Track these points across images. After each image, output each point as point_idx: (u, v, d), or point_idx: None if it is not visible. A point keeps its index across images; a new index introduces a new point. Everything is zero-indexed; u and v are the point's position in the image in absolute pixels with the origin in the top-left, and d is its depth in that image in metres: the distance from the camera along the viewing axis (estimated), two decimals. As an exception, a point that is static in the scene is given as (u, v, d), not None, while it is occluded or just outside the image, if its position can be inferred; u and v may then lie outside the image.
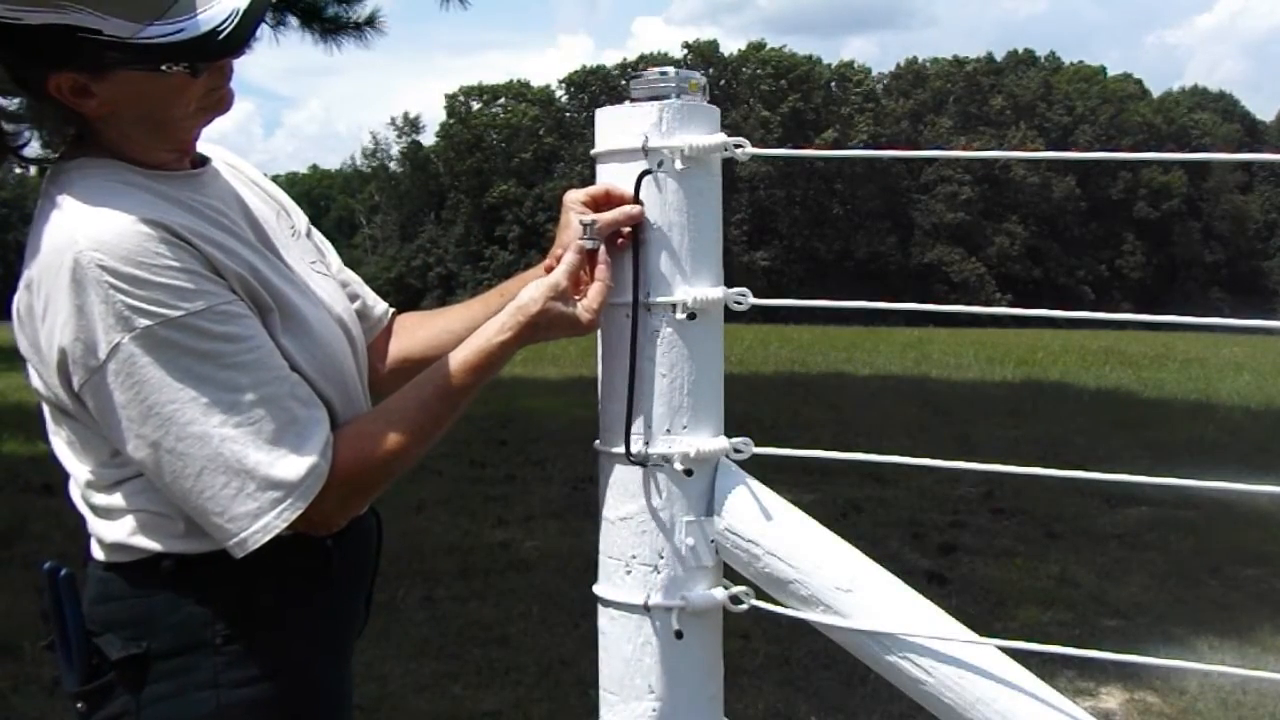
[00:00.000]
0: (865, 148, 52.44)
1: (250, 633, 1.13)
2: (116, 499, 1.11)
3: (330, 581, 1.19)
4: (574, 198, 1.25)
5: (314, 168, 76.33)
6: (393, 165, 62.34)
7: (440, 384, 1.16)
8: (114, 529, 1.12)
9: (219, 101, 1.13)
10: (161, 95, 1.08)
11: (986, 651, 1.11)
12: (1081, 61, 62.04)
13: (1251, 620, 4.30)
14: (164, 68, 1.04)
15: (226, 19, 1.04)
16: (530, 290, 1.18)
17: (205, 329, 1.04)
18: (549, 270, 1.23)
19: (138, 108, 1.08)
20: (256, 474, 1.05)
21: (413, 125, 61.47)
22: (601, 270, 1.17)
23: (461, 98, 59.76)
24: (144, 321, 1.01)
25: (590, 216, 1.18)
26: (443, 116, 60.06)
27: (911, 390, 12.86)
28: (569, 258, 1.18)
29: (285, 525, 1.07)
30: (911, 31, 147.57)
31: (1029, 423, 9.92)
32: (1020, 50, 61.37)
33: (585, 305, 1.17)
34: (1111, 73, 61.96)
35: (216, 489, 1.05)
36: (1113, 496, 6.37)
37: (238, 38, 1.05)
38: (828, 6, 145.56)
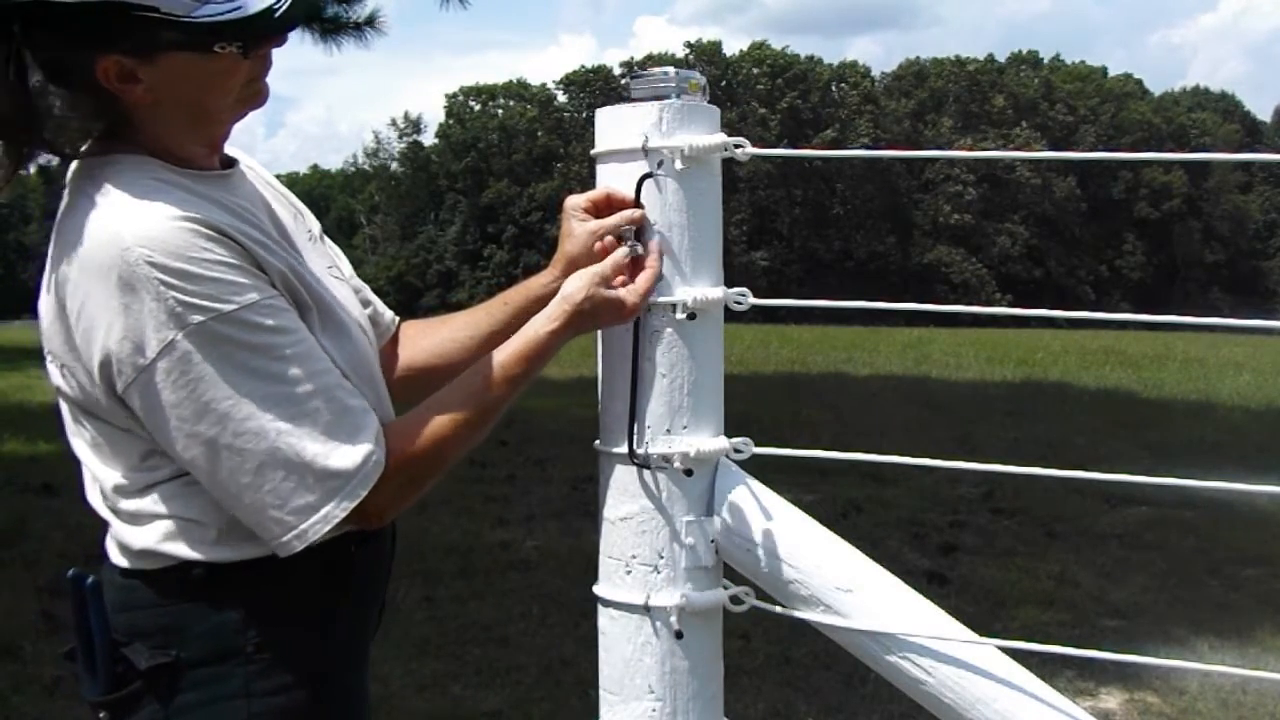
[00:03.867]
0: (865, 148, 52.45)
1: (281, 640, 1.12)
2: (146, 504, 1.09)
3: (354, 586, 1.18)
4: (574, 203, 1.25)
5: (314, 168, 76.35)
6: (394, 165, 62.35)
7: (491, 375, 1.16)
8: (142, 535, 1.10)
9: (256, 94, 1.13)
10: (208, 80, 1.07)
11: (986, 651, 1.11)
12: (1082, 61, 62.09)
13: (1251, 620, 4.30)
14: (217, 48, 1.04)
15: None
16: (575, 280, 1.18)
17: (257, 322, 1.03)
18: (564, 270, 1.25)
19: (183, 94, 1.07)
20: (315, 466, 1.04)
21: (414, 125, 61.52)
22: (652, 259, 1.17)
23: (461, 98, 59.84)
24: (198, 317, 1.01)
25: (621, 223, 1.19)
26: (442, 117, 60.16)
27: (911, 390, 12.86)
28: (621, 251, 1.18)
29: (344, 515, 1.06)
30: (915, 31, 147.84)
31: (1029, 423, 9.92)
32: (1024, 51, 61.39)
33: (632, 289, 1.16)
34: (1115, 72, 62.04)
35: (275, 483, 1.04)
36: (1113, 496, 6.36)
37: (293, 14, 1.04)
38: (832, 6, 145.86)
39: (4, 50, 1.02)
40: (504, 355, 1.17)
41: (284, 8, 1.04)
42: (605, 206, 1.22)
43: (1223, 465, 7.15)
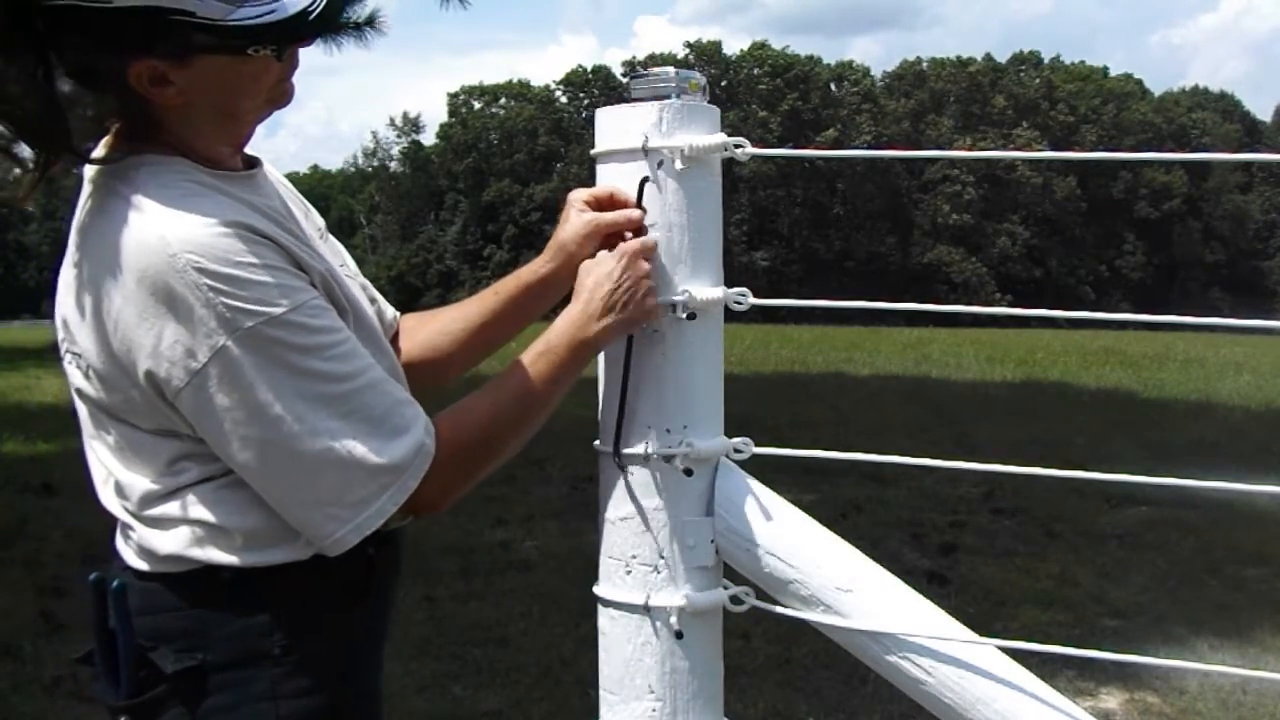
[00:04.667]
0: (865, 148, 52.44)
1: (306, 643, 1.12)
2: (172, 509, 1.09)
3: (373, 588, 1.19)
4: (578, 195, 1.25)
5: (314, 168, 76.36)
6: (393, 165, 62.37)
7: (535, 359, 1.17)
8: (168, 539, 1.09)
9: (283, 94, 1.13)
10: (239, 82, 1.07)
11: (986, 651, 1.11)
12: (1082, 61, 62.06)
13: (1251, 620, 4.29)
14: (251, 51, 1.04)
15: None
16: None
17: (305, 324, 1.04)
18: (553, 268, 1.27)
19: (214, 96, 1.07)
20: (368, 462, 1.05)
21: (413, 125, 61.52)
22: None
23: (463, 97, 59.87)
24: (248, 322, 1.01)
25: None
26: (443, 116, 60.18)
27: (911, 390, 12.86)
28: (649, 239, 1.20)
29: (396, 508, 1.07)
30: (917, 31, 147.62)
31: (1029, 423, 9.91)
32: (1026, 51, 61.30)
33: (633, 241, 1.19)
34: (1116, 72, 61.97)
35: (330, 481, 1.05)
36: (1113, 496, 6.36)
37: (328, 16, 1.04)
38: (834, 6, 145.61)
39: (33, 53, 1.02)
40: (548, 339, 1.18)
41: (319, 9, 1.04)
42: (608, 204, 1.22)
43: (1223, 465, 7.15)
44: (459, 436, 1.12)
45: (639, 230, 1.19)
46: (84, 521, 5.15)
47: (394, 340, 1.41)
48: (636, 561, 1.19)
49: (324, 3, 1.04)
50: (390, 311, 1.41)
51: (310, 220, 1.27)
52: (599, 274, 1.18)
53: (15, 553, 4.94)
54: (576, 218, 1.24)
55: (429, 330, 1.40)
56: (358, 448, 1.05)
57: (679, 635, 1.17)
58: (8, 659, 3.66)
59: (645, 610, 1.17)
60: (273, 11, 1.02)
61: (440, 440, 1.10)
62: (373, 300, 1.36)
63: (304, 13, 1.03)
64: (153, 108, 1.07)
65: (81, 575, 1.18)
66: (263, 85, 1.09)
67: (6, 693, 3.42)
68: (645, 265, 1.17)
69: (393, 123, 64.10)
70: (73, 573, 4.40)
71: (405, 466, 1.07)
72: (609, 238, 1.21)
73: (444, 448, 1.10)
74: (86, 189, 1.11)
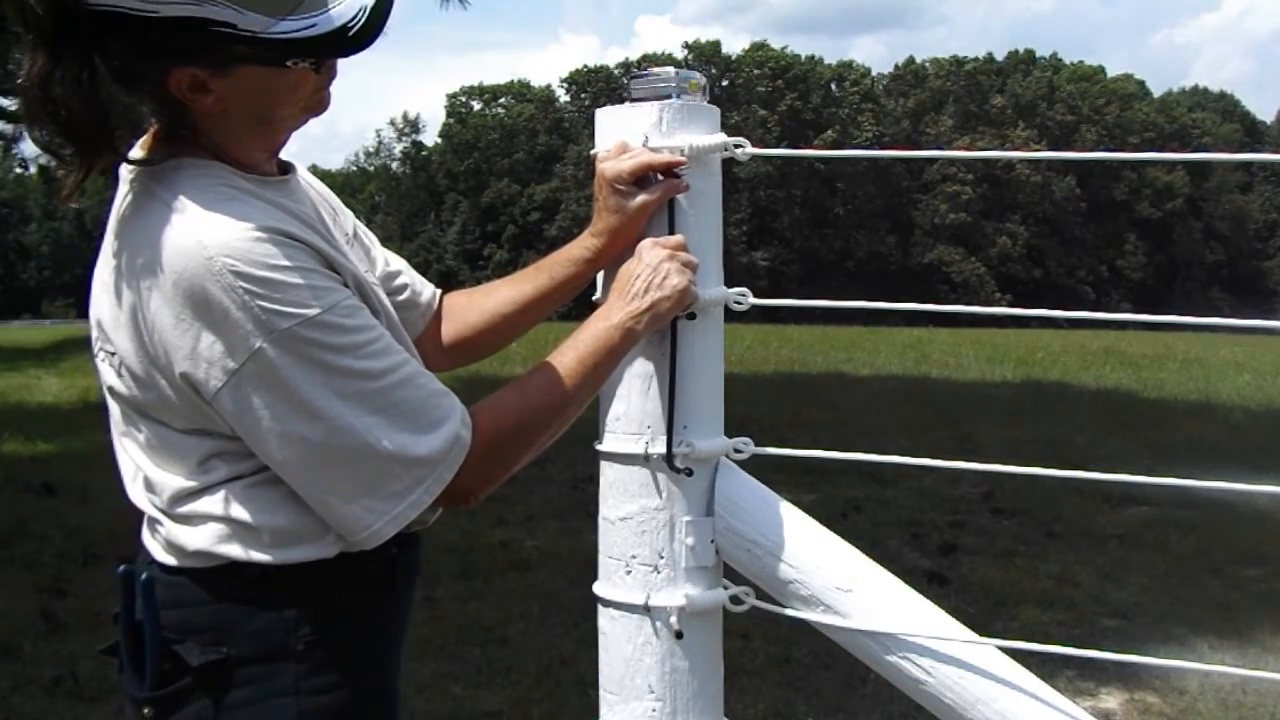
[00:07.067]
0: (865, 148, 52.41)
1: (329, 640, 1.13)
2: (202, 506, 1.10)
3: (395, 588, 1.20)
4: (619, 175, 1.22)
5: (314, 168, 76.40)
6: (394, 165, 62.43)
7: (573, 349, 1.18)
8: (197, 536, 1.11)
9: (319, 102, 1.14)
10: (277, 92, 1.09)
11: (986, 651, 1.11)
12: (1081, 61, 62.04)
13: (1251, 620, 4.30)
14: (290, 63, 1.05)
15: (356, 15, 1.05)
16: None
17: (340, 324, 1.05)
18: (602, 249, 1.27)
19: (251, 105, 1.09)
20: (404, 455, 1.07)
21: (412, 126, 61.56)
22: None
23: (463, 97, 59.92)
24: (284, 323, 1.02)
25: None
26: (443, 116, 60.19)
27: (911, 390, 12.85)
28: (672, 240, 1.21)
29: (431, 499, 1.09)
30: (920, 31, 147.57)
31: (1029, 423, 9.91)
32: (1024, 50, 61.21)
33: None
34: (1119, 72, 61.95)
35: (367, 475, 1.07)
36: (1113, 496, 6.36)
37: (367, 33, 1.06)
38: (837, 6, 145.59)
39: (78, 55, 1.02)
40: (580, 333, 1.19)
41: (358, 27, 1.05)
42: (644, 173, 1.22)
43: (1223, 465, 7.14)
44: (494, 428, 1.13)
45: (669, 172, 1.19)
46: (84, 521, 5.14)
47: (435, 319, 1.43)
48: (636, 561, 1.19)
49: (364, 19, 1.05)
50: (427, 291, 1.42)
51: (339, 224, 1.29)
52: (628, 267, 1.20)
53: (15, 553, 4.93)
54: (629, 205, 1.22)
55: (481, 312, 1.42)
56: (394, 441, 1.07)
57: (679, 635, 1.17)
58: (8, 659, 3.66)
59: (645, 610, 1.18)
60: (313, 26, 1.04)
61: (476, 431, 1.12)
62: (401, 287, 1.37)
63: (344, 28, 1.05)
64: (191, 113, 1.09)
65: (82, 575, 1.18)
66: (300, 95, 1.11)
67: (6, 693, 3.43)
68: (665, 251, 1.18)
69: (392, 124, 64.19)
70: (73, 573, 4.40)
71: (441, 458, 1.09)
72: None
73: (479, 439, 1.12)
74: (123, 189, 1.12)
